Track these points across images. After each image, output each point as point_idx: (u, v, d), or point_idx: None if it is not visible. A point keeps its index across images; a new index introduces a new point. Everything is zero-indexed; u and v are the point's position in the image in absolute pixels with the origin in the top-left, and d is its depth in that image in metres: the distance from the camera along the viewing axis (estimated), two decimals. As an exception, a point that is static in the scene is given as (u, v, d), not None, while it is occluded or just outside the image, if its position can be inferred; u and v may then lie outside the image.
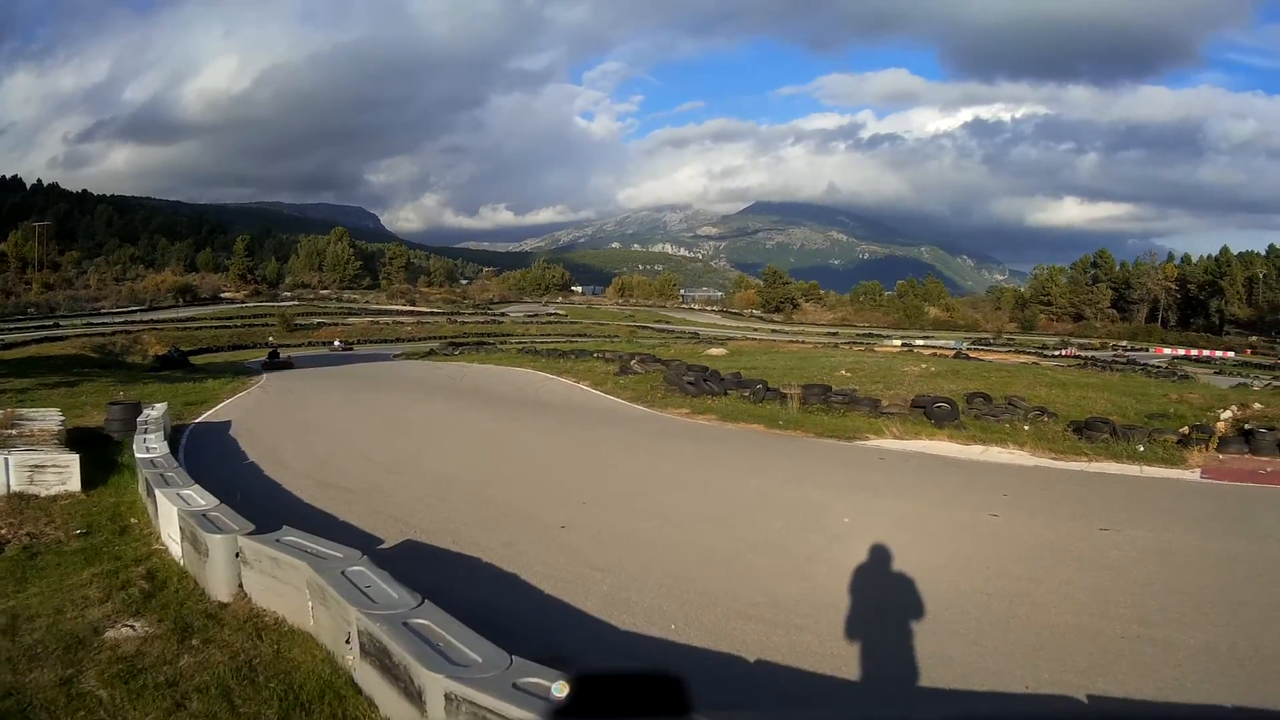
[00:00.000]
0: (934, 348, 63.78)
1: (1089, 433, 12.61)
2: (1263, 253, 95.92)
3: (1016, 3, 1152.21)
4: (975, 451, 12.58)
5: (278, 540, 5.57)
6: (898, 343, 70.57)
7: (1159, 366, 51.01)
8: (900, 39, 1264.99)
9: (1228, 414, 12.90)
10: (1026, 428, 13.80)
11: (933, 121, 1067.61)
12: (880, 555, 6.67)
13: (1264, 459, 11.18)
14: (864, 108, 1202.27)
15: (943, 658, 5.00)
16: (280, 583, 5.30)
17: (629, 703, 1.01)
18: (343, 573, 4.79)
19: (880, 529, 7.62)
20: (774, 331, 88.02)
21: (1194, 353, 72.53)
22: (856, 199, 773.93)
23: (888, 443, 13.81)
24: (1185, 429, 12.76)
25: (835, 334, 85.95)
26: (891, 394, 19.50)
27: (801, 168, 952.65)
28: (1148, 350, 75.27)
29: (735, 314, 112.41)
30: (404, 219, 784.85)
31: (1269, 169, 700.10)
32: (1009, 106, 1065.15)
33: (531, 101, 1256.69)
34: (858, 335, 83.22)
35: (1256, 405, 14.29)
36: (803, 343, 60.21)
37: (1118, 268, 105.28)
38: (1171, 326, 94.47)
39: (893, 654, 5.08)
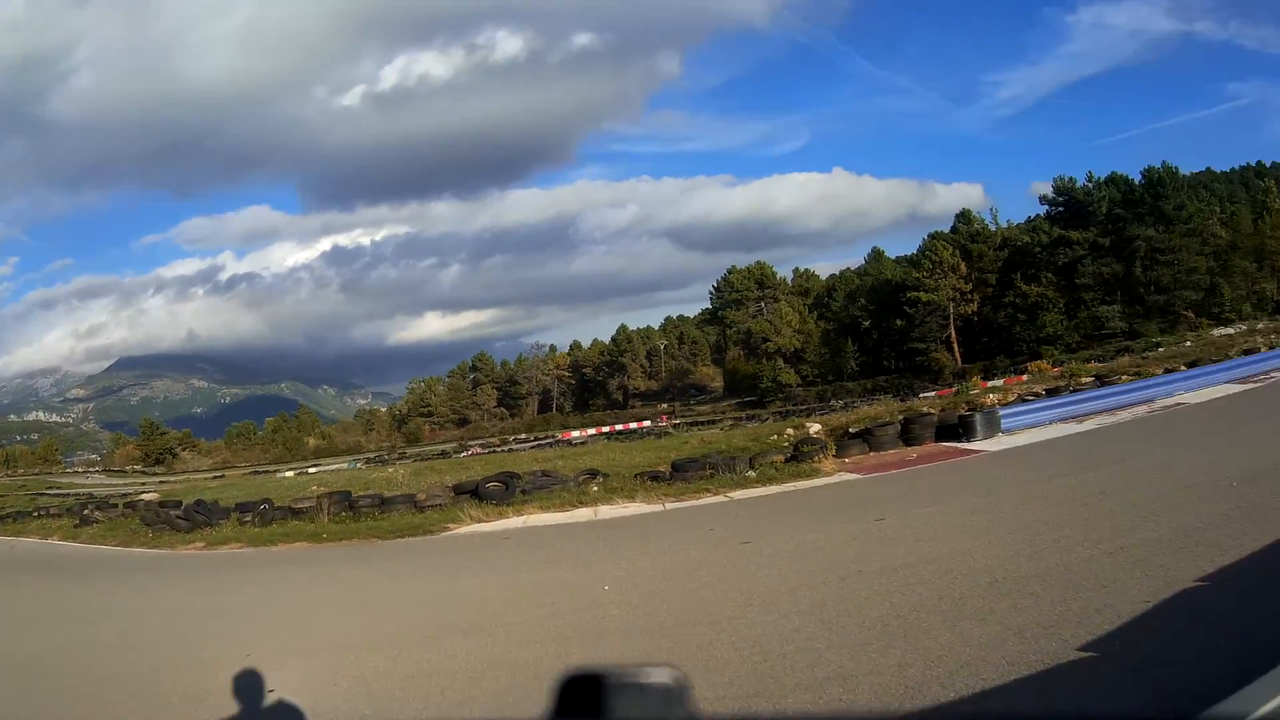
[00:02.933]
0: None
1: (688, 472, 13.85)
2: (658, 326, 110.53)
3: (373, 129, 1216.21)
4: (584, 514, 12.59)
5: None
6: (291, 473, 64.51)
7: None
8: (261, 175, 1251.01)
9: (789, 432, 15.81)
10: (596, 489, 14.45)
11: (292, 255, 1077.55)
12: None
13: (891, 452, 13.65)
14: (224, 249, 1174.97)
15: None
16: None
17: (622, 700, 1.04)
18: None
19: (643, 581, 7.72)
20: (161, 482, 73.88)
21: (606, 429, 73.19)
22: (216, 343, 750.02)
23: (480, 526, 12.89)
24: (786, 447, 14.93)
25: (223, 475, 76.09)
26: (416, 490, 18.46)
27: (162, 317, 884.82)
28: (554, 435, 77.26)
29: (119, 471, 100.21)
30: None
31: (652, 249, 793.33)
32: (369, 230, 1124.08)
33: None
34: (250, 472, 75.17)
35: (813, 426, 17.78)
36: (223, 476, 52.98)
37: (499, 367, 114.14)
38: (569, 411, 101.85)
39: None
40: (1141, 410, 18.55)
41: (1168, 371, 22.78)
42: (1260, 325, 38.18)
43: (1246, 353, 25.23)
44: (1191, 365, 23.92)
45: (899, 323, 67.64)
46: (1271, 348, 25.76)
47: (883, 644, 5.33)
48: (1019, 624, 5.39)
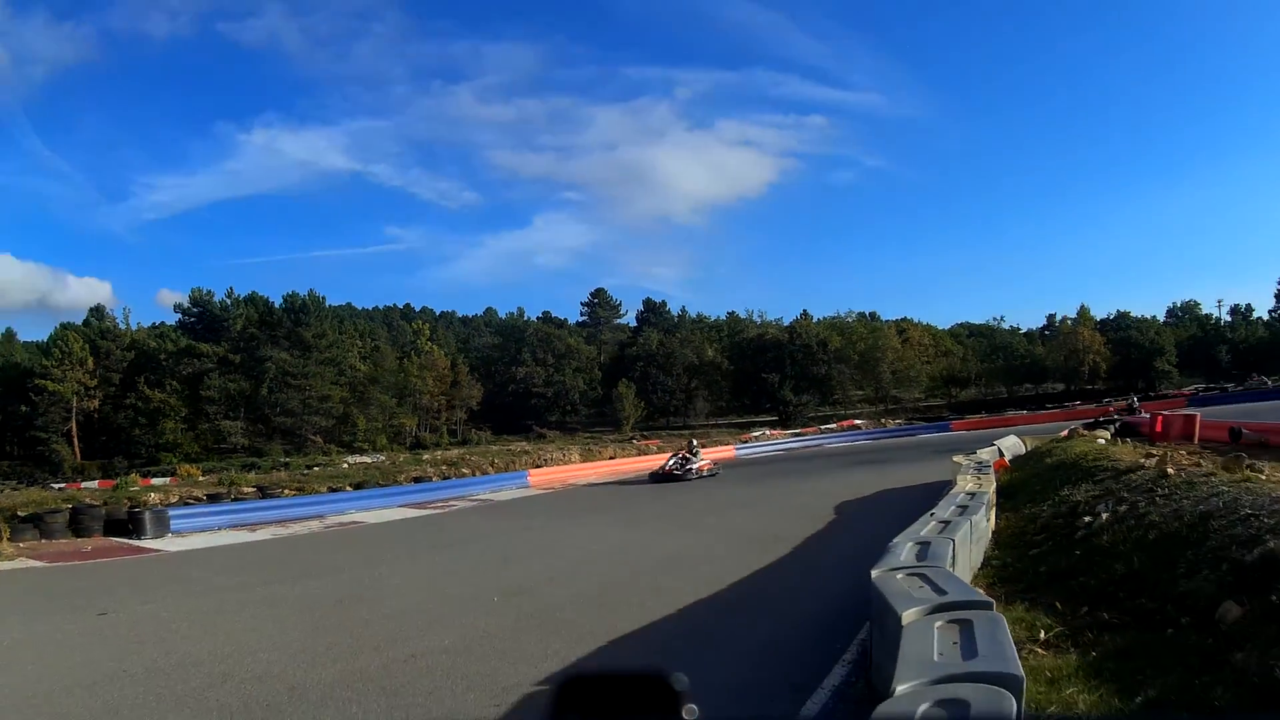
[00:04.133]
0: None
1: None
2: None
3: None
4: None
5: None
6: None
7: None
8: None
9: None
10: None
11: None
12: None
13: (63, 541, 12.44)
14: None
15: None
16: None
17: (623, 702, 1.04)
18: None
19: None
20: None
21: None
22: None
23: None
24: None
25: None
26: None
27: None
28: None
29: None
30: None
31: None
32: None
33: None
34: None
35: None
36: None
37: None
38: None
39: None
40: (315, 525, 19.11)
41: (332, 490, 24.37)
42: (390, 455, 44.11)
43: (416, 480, 28.21)
44: (358, 486, 25.58)
45: (24, 409, 59.10)
46: (444, 478, 29.41)
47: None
48: None
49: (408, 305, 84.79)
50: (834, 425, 57.14)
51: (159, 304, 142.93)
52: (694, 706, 0.98)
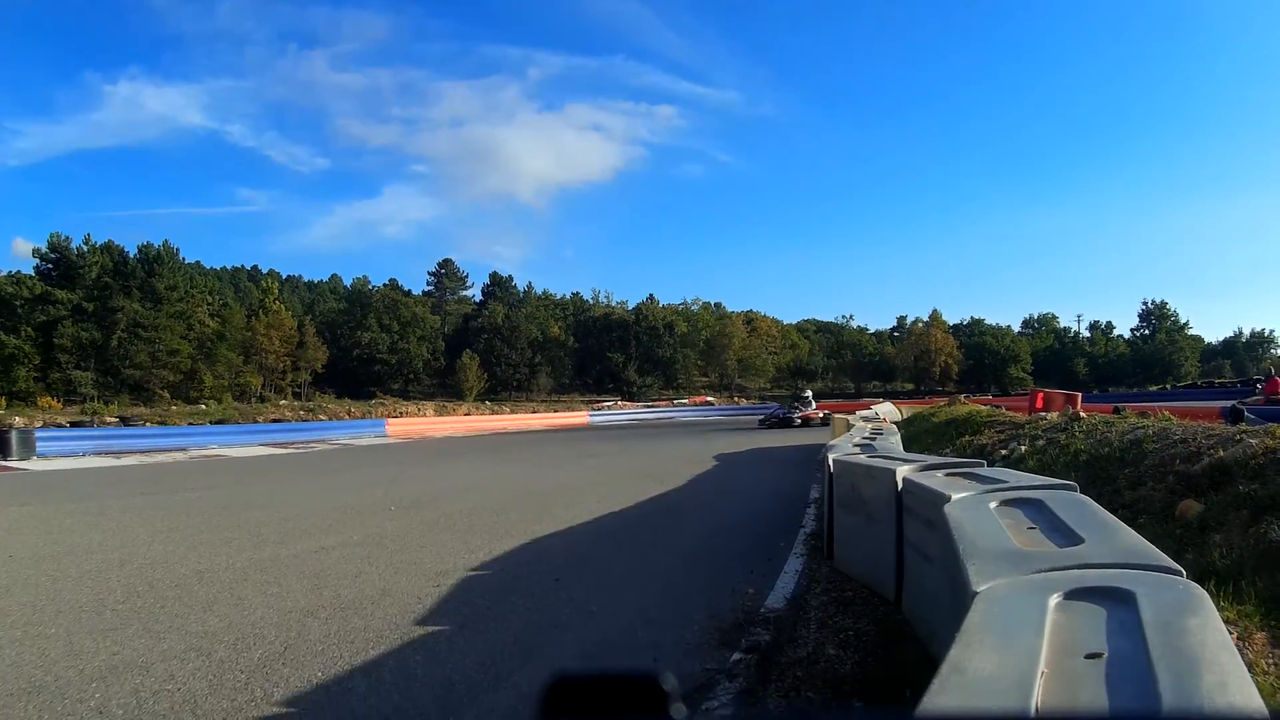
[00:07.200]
0: None
1: None
2: None
3: None
4: None
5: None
6: None
7: None
8: None
9: None
10: None
11: None
12: None
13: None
14: None
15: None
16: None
17: (610, 703, 0.98)
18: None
19: None
20: None
21: None
22: None
23: None
24: None
25: None
26: None
27: None
28: None
29: None
30: None
31: None
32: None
33: None
34: None
35: None
36: None
37: None
38: None
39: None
40: (181, 456, 18.99)
41: (192, 424, 24.55)
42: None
43: (276, 421, 28.77)
44: (219, 423, 25.90)
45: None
46: (302, 420, 30.19)
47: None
48: (308, 606, 5.36)
49: (255, 267, 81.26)
50: (686, 400, 60.47)
51: (15, 254, 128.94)
52: (682, 705, 0.93)
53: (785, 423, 30.10)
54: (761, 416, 32.76)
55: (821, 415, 30.52)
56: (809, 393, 34.16)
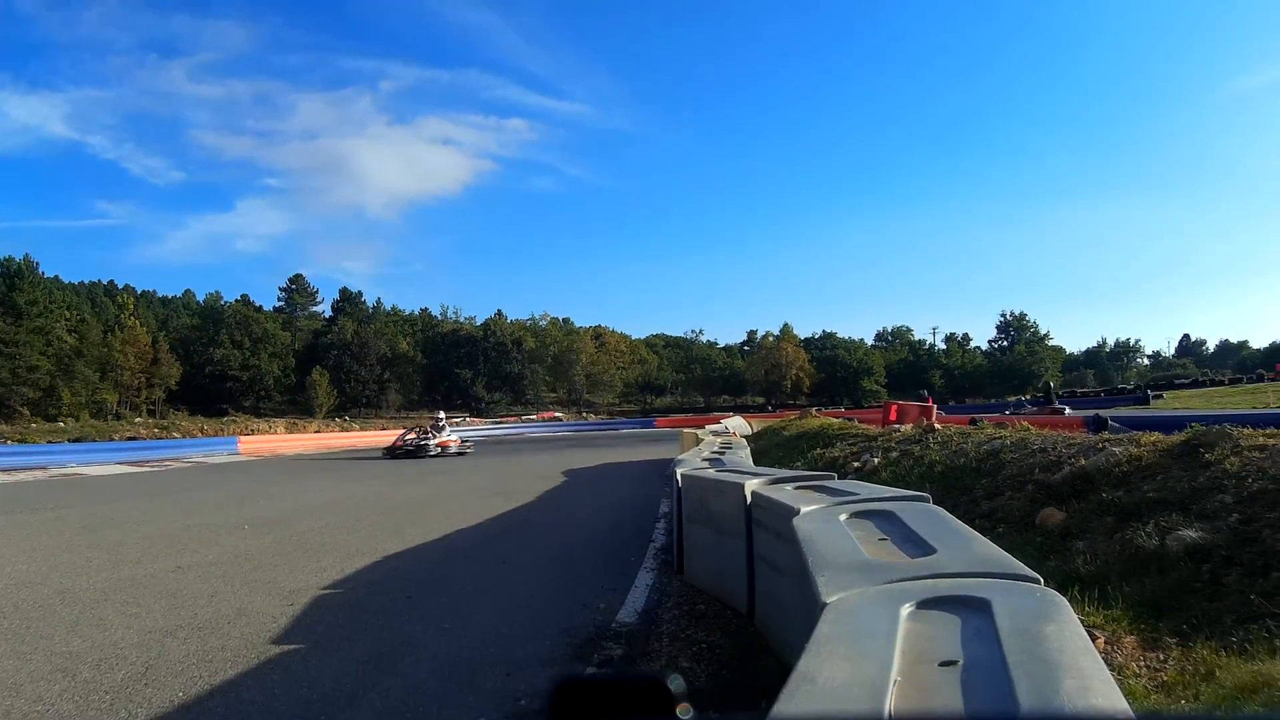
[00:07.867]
0: None
1: None
2: None
3: None
4: None
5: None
6: None
7: None
8: None
9: None
10: None
11: None
12: None
13: None
14: None
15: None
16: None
17: (618, 705, 1.00)
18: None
19: None
20: None
21: None
22: None
23: None
24: None
25: None
26: None
27: None
28: None
29: None
30: None
31: None
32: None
33: None
34: None
35: None
36: None
37: None
38: None
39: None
40: (40, 475, 19.63)
41: (51, 442, 25.63)
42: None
43: (131, 438, 29.50)
44: (77, 440, 26.85)
45: None
46: (156, 439, 31.11)
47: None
48: (167, 626, 5.46)
49: (111, 282, 77.50)
50: (535, 416, 59.98)
51: None
52: (689, 707, 0.94)
53: (418, 451, 25.25)
54: (388, 445, 26.96)
55: (458, 442, 26.66)
56: (443, 415, 29.57)
